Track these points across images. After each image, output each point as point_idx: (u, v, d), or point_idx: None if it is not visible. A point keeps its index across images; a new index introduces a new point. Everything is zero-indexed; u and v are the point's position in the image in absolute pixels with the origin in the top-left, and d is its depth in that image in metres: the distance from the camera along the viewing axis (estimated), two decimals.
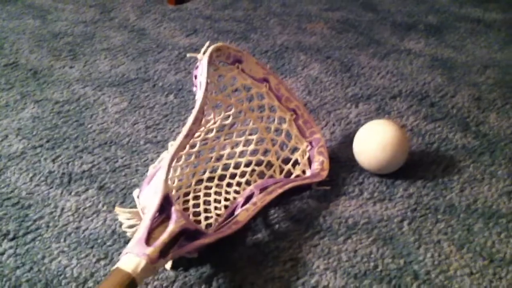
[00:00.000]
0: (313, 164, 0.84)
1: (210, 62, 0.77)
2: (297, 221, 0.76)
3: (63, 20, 1.30)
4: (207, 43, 0.78)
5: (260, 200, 0.75)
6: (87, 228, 0.73)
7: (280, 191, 0.76)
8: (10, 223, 0.74)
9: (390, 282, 0.67)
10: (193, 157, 0.81)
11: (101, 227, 0.73)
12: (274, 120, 0.88)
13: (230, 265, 0.69)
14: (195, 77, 0.76)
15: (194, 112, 0.71)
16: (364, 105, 1.02)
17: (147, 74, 1.10)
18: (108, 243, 0.71)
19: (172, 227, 0.62)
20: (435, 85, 1.09)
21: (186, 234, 0.63)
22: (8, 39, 1.22)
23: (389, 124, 0.82)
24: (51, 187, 0.80)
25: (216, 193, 0.80)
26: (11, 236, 0.72)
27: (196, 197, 0.78)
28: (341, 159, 0.88)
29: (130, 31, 1.27)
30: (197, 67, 0.76)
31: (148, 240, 0.60)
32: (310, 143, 0.86)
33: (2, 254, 0.69)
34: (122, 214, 0.70)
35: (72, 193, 0.79)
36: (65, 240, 0.71)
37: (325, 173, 0.82)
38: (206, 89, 0.73)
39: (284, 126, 0.86)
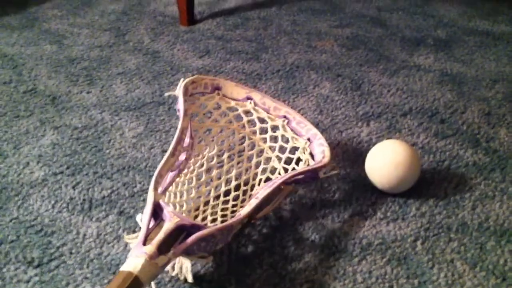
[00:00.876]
0: (315, 156, 0.84)
1: (186, 94, 0.83)
2: (312, 242, 0.78)
3: (79, 44, 1.34)
4: (182, 80, 0.84)
5: (262, 194, 0.74)
6: (108, 254, 0.76)
7: (280, 181, 0.75)
8: (34, 250, 0.76)
9: None
10: (194, 181, 0.84)
11: (122, 252, 0.76)
12: (267, 130, 0.91)
13: (247, 287, 0.71)
14: (178, 110, 0.81)
15: (176, 134, 0.76)
16: (375, 123, 1.04)
17: (162, 98, 1.12)
18: None
19: (166, 225, 0.66)
20: (445, 101, 1.11)
21: (185, 231, 0.67)
22: (26, 65, 1.25)
23: (400, 144, 0.84)
24: (73, 214, 0.83)
25: (222, 209, 0.82)
26: (35, 263, 0.74)
27: (204, 218, 0.81)
28: (354, 178, 0.90)
29: (145, 54, 1.30)
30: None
31: (145, 242, 0.64)
32: (308, 139, 0.87)
33: (28, 281, 0.72)
34: (132, 241, 0.73)
35: (93, 219, 0.81)
36: (88, 266, 0.74)
37: (326, 159, 0.81)
38: (184, 118, 0.79)
39: (279, 132, 0.89)
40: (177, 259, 0.69)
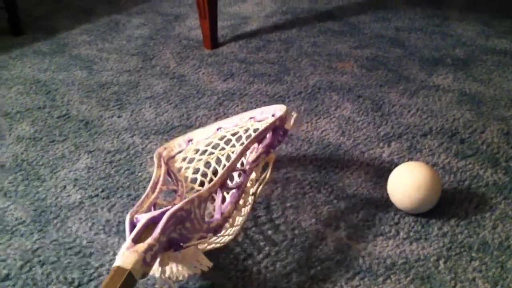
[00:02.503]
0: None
1: (161, 162, 0.91)
2: (338, 262, 0.81)
3: (108, 69, 1.39)
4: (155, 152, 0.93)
5: (231, 161, 0.81)
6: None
7: (246, 142, 0.83)
8: (74, 271, 0.81)
9: None
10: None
11: (156, 272, 0.80)
12: (241, 136, 0.97)
13: None
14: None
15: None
16: (396, 143, 1.07)
17: (189, 121, 1.17)
18: None
19: (140, 222, 0.71)
20: (464, 121, 1.14)
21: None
22: (58, 90, 1.31)
23: (421, 166, 0.87)
24: (109, 235, 0.87)
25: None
26: (76, 284, 0.79)
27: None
28: (376, 199, 0.93)
29: (171, 78, 1.35)
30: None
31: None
32: (273, 115, 0.94)
33: None
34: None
35: None
36: None
37: (282, 111, 0.89)
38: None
39: (250, 130, 0.96)
40: (174, 265, 0.74)
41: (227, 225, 0.79)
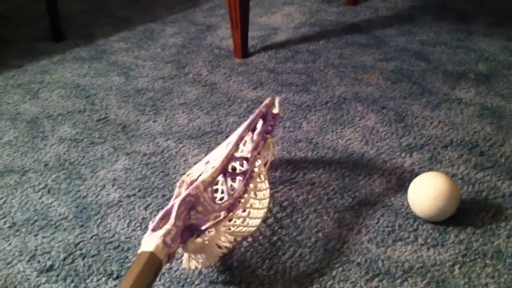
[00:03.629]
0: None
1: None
2: (358, 264, 0.86)
3: (144, 76, 1.47)
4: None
5: (227, 148, 0.88)
6: (177, 269, 0.86)
7: (241, 130, 0.90)
8: (114, 264, 0.88)
9: None
10: None
11: (185, 263, 0.86)
12: (242, 163, 1.00)
13: None
14: None
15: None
16: (418, 154, 1.12)
17: (220, 127, 1.23)
18: (196, 282, 0.83)
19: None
20: (485, 134, 1.18)
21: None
22: (97, 95, 1.39)
23: (440, 176, 0.92)
24: (145, 232, 0.94)
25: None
26: (115, 275, 0.86)
27: None
28: (397, 206, 0.98)
29: (203, 86, 1.41)
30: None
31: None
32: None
33: None
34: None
35: None
36: (160, 279, 0.84)
37: (267, 101, 0.97)
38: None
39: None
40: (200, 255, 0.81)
41: (240, 206, 0.86)
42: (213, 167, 0.85)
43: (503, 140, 1.16)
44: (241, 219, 0.89)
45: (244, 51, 1.56)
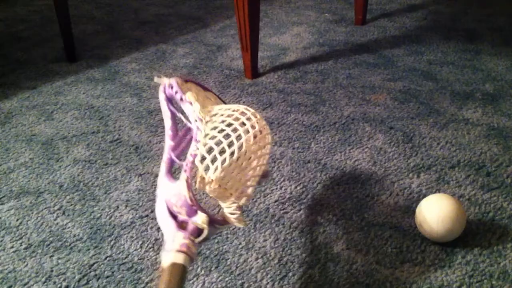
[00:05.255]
0: None
1: None
2: (367, 286, 0.88)
3: (156, 97, 1.50)
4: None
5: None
6: None
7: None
8: (127, 285, 0.90)
9: None
10: None
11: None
12: None
13: None
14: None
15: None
16: (425, 175, 1.14)
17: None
18: None
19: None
20: (491, 154, 1.20)
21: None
22: (111, 116, 1.42)
23: (447, 198, 0.94)
24: (158, 253, 0.96)
25: None
26: None
27: None
28: (405, 227, 1.00)
29: None
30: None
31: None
32: None
33: None
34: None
35: None
36: None
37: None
38: None
39: None
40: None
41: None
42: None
43: (509, 161, 1.17)
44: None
45: (254, 72, 1.59)
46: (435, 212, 0.93)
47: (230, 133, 0.80)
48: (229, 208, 0.80)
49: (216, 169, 0.76)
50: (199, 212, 0.77)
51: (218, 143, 0.79)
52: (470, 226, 0.99)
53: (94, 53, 1.81)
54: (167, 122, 0.89)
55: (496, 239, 0.96)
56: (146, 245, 0.98)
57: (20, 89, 1.58)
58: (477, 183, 1.11)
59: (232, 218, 0.80)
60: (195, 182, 0.77)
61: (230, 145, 0.79)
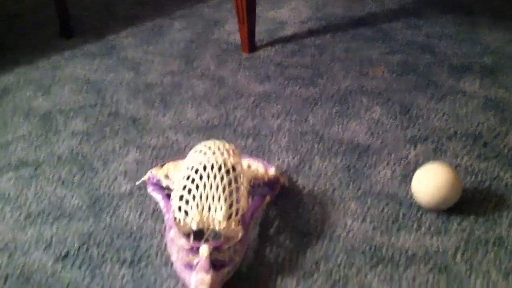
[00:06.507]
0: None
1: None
2: (363, 252, 0.89)
3: (153, 71, 1.50)
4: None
5: None
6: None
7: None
8: (127, 252, 0.91)
9: None
10: None
11: None
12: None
13: (308, 286, 0.83)
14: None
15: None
16: (422, 146, 1.15)
17: (228, 120, 1.26)
18: None
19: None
20: (488, 125, 1.20)
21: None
22: (108, 90, 1.42)
23: (443, 167, 0.95)
24: (156, 222, 0.97)
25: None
26: (128, 262, 0.89)
27: None
28: (401, 196, 1.00)
29: (211, 80, 1.44)
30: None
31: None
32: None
33: (122, 278, 0.86)
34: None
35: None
36: (171, 266, 0.87)
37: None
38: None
39: None
40: None
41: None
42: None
43: (506, 131, 1.18)
44: None
45: (251, 46, 1.59)
46: (431, 180, 0.94)
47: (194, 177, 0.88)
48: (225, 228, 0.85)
49: (220, 209, 0.84)
50: (200, 247, 0.81)
51: (190, 190, 0.87)
52: (466, 194, 1.00)
53: (91, 29, 1.80)
54: (161, 204, 0.96)
55: (492, 207, 0.97)
56: (144, 214, 0.99)
57: (17, 64, 1.58)
58: (474, 153, 1.11)
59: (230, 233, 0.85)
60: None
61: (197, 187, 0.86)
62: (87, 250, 0.92)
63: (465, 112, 1.25)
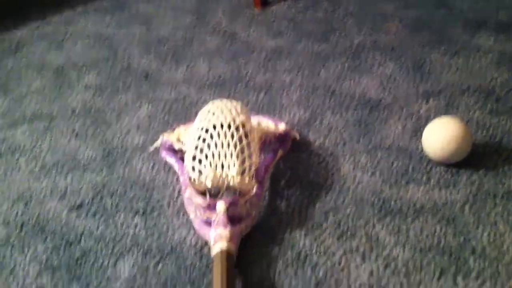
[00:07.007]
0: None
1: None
2: (372, 204, 0.90)
3: (165, 26, 1.49)
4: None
5: None
6: None
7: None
8: (139, 202, 0.93)
9: (451, 256, 0.80)
10: None
11: None
12: None
13: (317, 236, 0.84)
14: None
15: None
16: (434, 100, 1.14)
17: (239, 75, 1.26)
18: None
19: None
20: (502, 80, 1.19)
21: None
22: (120, 45, 1.42)
23: (454, 121, 0.95)
24: (169, 174, 0.98)
25: None
26: (141, 212, 0.91)
27: None
28: (411, 150, 1.01)
29: (223, 35, 1.43)
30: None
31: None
32: None
33: (135, 227, 0.88)
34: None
35: None
36: (183, 216, 0.89)
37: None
38: None
39: None
40: None
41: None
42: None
43: None
44: None
45: (263, 1, 1.57)
46: (442, 134, 0.94)
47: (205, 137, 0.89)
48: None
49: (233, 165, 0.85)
50: (217, 203, 0.83)
51: (201, 149, 0.87)
52: (477, 148, 1.00)
53: None
54: (176, 167, 0.97)
55: (502, 161, 0.97)
56: (157, 166, 1.00)
57: (30, 19, 1.58)
58: (486, 108, 1.11)
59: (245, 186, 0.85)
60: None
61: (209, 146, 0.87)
62: (101, 200, 0.94)
63: (478, 67, 1.24)
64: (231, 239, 0.80)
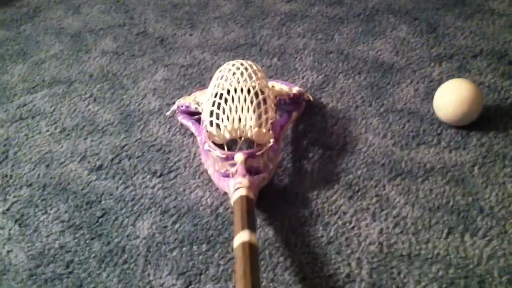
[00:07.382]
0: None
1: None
2: (382, 165, 0.92)
3: None
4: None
5: None
6: None
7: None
8: (157, 164, 0.96)
9: (459, 215, 0.82)
10: None
11: None
12: None
13: (327, 198, 0.87)
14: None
15: None
16: (447, 63, 1.15)
17: (254, 40, 1.27)
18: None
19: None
20: None
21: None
22: (136, 10, 1.43)
23: (465, 82, 0.96)
24: (185, 137, 1.01)
25: None
26: (158, 174, 0.94)
27: None
28: (423, 113, 1.02)
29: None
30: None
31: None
32: None
33: (153, 187, 0.92)
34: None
35: None
36: (199, 177, 0.92)
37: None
38: None
39: None
40: None
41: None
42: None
43: None
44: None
45: None
46: (453, 95, 0.95)
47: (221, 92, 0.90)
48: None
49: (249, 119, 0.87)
50: (235, 155, 0.85)
51: (219, 105, 0.89)
52: (488, 111, 1.01)
53: None
54: (193, 129, 0.99)
55: None
56: (173, 129, 1.03)
57: None
58: (498, 71, 1.11)
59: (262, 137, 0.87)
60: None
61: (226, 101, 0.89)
62: (119, 162, 0.97)
63: (492, 30, 1.24)
64: (250, 187, 0.82)
